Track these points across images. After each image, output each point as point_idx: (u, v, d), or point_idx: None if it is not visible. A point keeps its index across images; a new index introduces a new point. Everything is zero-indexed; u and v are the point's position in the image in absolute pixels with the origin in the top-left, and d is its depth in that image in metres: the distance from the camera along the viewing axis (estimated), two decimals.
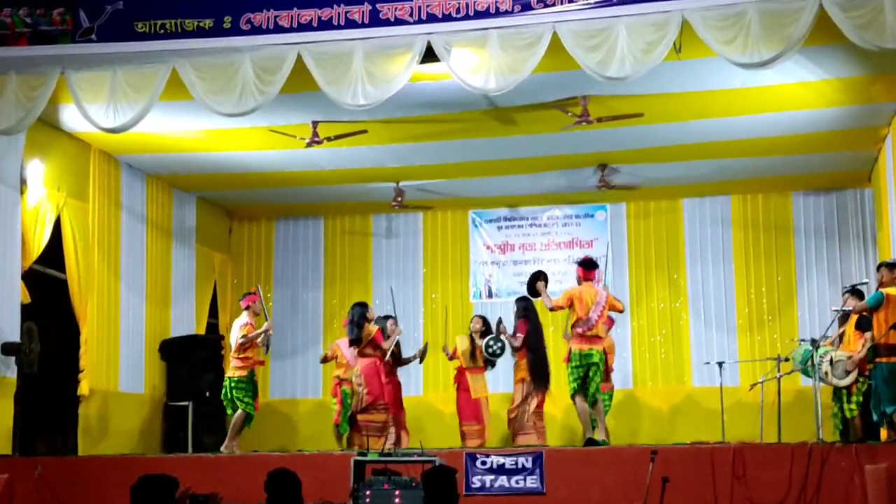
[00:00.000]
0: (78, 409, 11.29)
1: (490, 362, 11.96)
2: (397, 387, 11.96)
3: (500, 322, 11.97)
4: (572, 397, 10.33)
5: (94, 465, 10.13)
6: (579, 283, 10.54)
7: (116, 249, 12.30)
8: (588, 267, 10.57)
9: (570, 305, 10.27)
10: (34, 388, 10.74)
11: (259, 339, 11.25)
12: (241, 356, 11.13)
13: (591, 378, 10.18)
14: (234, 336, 11.22)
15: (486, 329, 12.11)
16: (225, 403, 11.30)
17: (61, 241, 11.20)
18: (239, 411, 11.09)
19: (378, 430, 11.38)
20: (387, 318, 12.18)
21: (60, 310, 11.31)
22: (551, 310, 10.68)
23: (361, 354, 11.62)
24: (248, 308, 11.34)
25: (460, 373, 12.06)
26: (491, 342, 11.74)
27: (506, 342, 11.78)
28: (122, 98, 9.35)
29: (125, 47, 9.29)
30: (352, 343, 11.70)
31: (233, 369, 11.20)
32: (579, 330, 10.21)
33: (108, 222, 12.12)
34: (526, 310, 11.73)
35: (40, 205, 10.87)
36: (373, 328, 11.65)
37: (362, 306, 11.90)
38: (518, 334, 11.63)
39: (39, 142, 10.86)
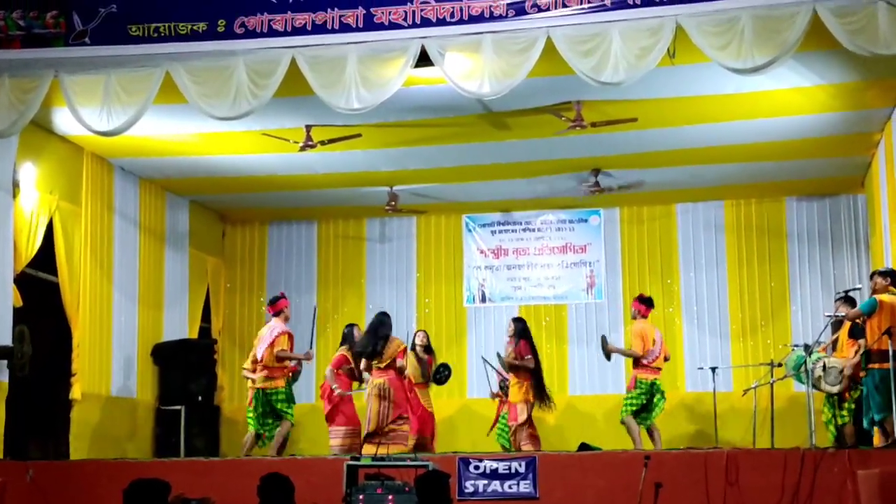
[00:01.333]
0: (70, 413, 11.24)
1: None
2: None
3: (500, 357, 11.83)
4: (622, 420, 11.17)
5: (86, 469, 10.10)
6: (635, 317, 11.53)
7: (109, 253, 12.26)
8: (649, 304, 11.56)
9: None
10: (26, 391, 10.67)
11: (292, 362, 10.98)
12: (276, 366, 10.73)
13: (654, 404, 11.13)
14: (265, 345, 10.75)
15: (429, 344, 12.19)
16: (254, 416, 10.75)
17: (53, 245, 11.15)
18: (285, 423, 10.74)
19: (405, 437, 11.01)
20: (352, 325, 12.18)
21: (52, 313, 11.25)
22: (641, 357, 11.26)
23: (388, 367, 10.93)
24: (278, 313, 10.91)
25: (410, 387, 11.85)
26: (441, 368, 12.05)
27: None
28: (116, 101, 9.32)
29: (119, 50, 9.26)
30: (371, 356, 10.98)
31: (265, 380, 10.71)
32: (645, 361, 11.17)
33: (100, 226, 12.08)
34: (525, 331, 11.61)
35: (33, 208, 10.83)
36: (400, 343, 11.08)
37: (388, 316, 11.34)
38: (527, 356, 11.35)
39: (32, 145, 10.82)
